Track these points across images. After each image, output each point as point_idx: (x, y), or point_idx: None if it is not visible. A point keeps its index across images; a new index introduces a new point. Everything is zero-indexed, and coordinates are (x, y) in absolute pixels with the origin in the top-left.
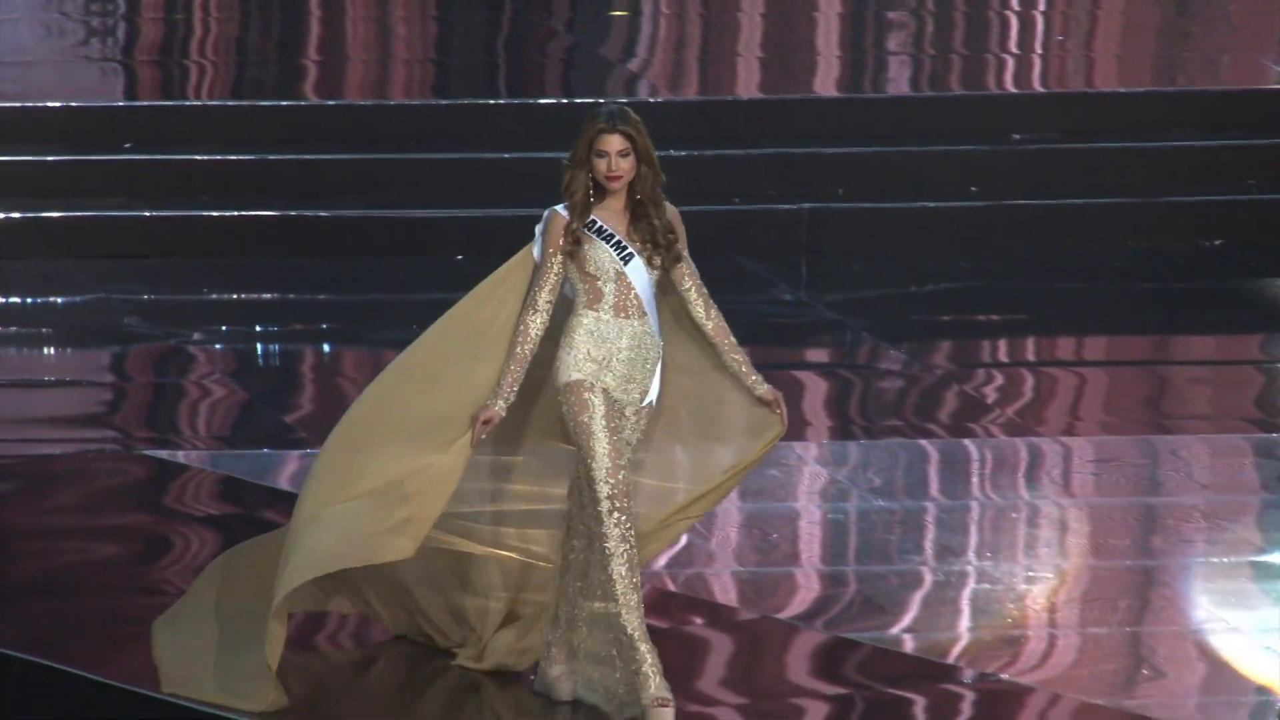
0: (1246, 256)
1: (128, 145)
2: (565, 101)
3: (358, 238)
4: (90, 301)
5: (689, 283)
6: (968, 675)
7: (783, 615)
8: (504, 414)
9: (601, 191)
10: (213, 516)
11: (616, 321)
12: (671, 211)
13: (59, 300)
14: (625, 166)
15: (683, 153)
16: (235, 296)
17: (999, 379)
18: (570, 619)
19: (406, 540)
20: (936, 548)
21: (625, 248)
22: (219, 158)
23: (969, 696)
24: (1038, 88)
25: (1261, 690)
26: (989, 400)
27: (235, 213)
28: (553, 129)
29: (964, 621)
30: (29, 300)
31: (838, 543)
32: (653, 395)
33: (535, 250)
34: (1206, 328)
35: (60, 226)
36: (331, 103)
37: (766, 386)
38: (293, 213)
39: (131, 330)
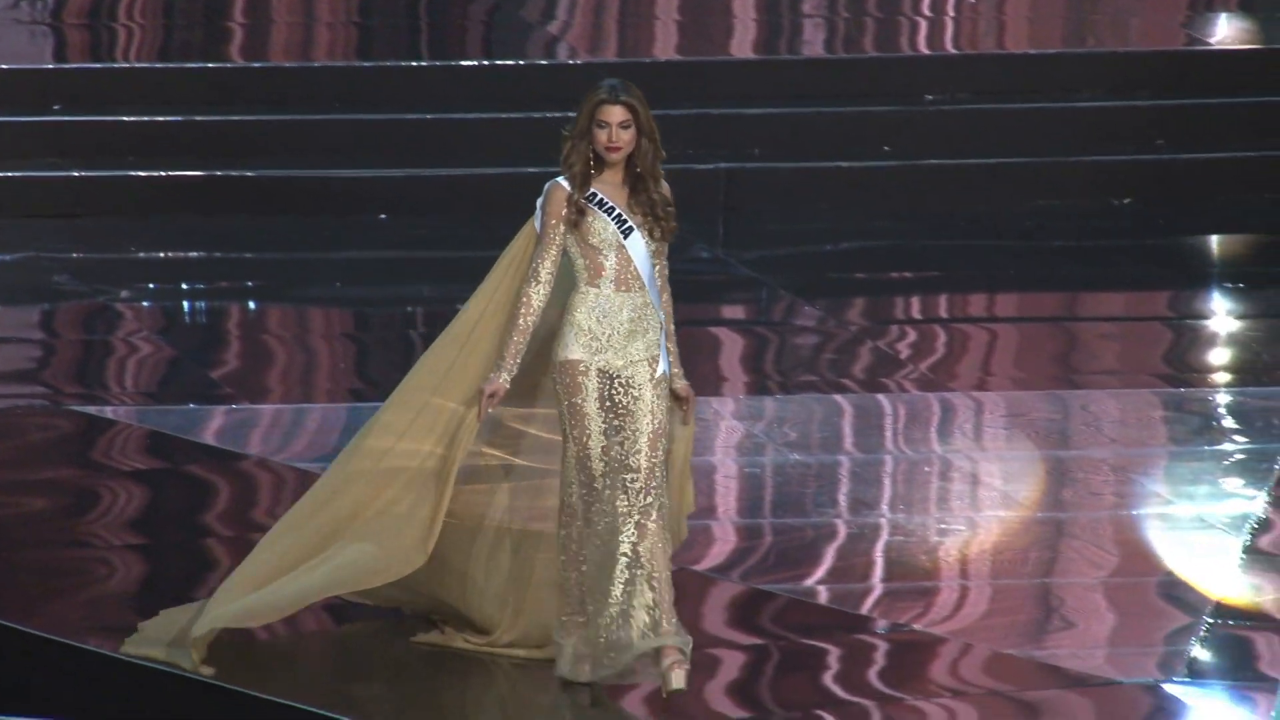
0: (1155, 215)
1: (57, 107)
2: (487, 64)
3: (282, 197)
4: (20, 260)
5: (656, 259)
6: (881, 626)
7: (699, 567)
8: (508, 386)
9: (600, 163)
10: (140, 471)
11: (618, 295)
12: (666, 188)
13: None
14: (626, 138)
15: None
16: (162, 255)
17: (912, 335)
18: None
19: (418, 551)
20: (850, 501)
21: (626, 220)
22: (147, 119)
23: (882, 647)
24: (950, 49)
25: (1169, 639)
26: (902, 356)
27: (162, 173)
28: (474, 91)
29: (877, 573)
30: None
31: (753, 496)
32: (665, 366)
33: (536, 222)
34: (1116, 285)
35: None
36: (257, 65)
37: (684, 383)
38: (219, 173)
39: (61, 288)
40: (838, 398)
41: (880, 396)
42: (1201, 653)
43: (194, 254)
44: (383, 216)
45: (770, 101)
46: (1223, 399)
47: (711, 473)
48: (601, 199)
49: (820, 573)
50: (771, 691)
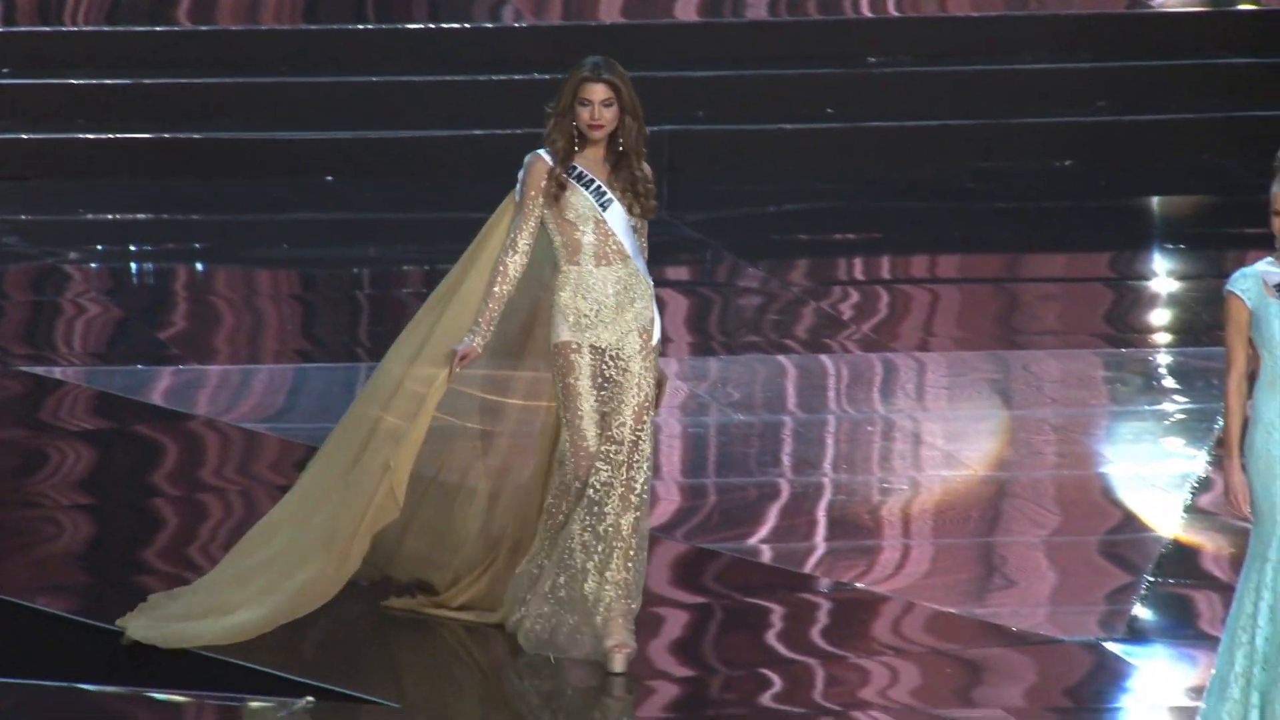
0: (1096, 176)
1: (6, 70)
2: (432, 26)
3: (230, 159)
4: None
5: (643, 241)
6: (824, 584)
7: None
8: (480, 350)
9: (584, 140)
10: (88, 431)
11: (599, 270)
12: (647, 169)
13: None
14: (608, 116)
15: (546, 76)
16: (111, 217)
17: (855, 296)
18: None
19: (389, 500)
20: (794, 460)
21: (605, 193)
22: (95, 82)
23: (825, 605)
24: (892, 12)
25: (1110, 598)
26: (845, 317)
27: (111, 135)
28: (420, 53)
29: (820, 532)
30: None
31: (697, 456)
32: (658, 334)
33: (517, 193)
34: (1057, 246)
35: None
36: (204, 28)
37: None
38: (167, 135)
39: (10, 249)
40: (781, 358)
41: (823, 357)
42: (1142, 611)
43: (142, 216)
44: (329, 178)
45: (714, 64)
46: (1163, 359)
47: (656, 433)
48: (581, 172)
49: (763, 532)
50: (715, 650)
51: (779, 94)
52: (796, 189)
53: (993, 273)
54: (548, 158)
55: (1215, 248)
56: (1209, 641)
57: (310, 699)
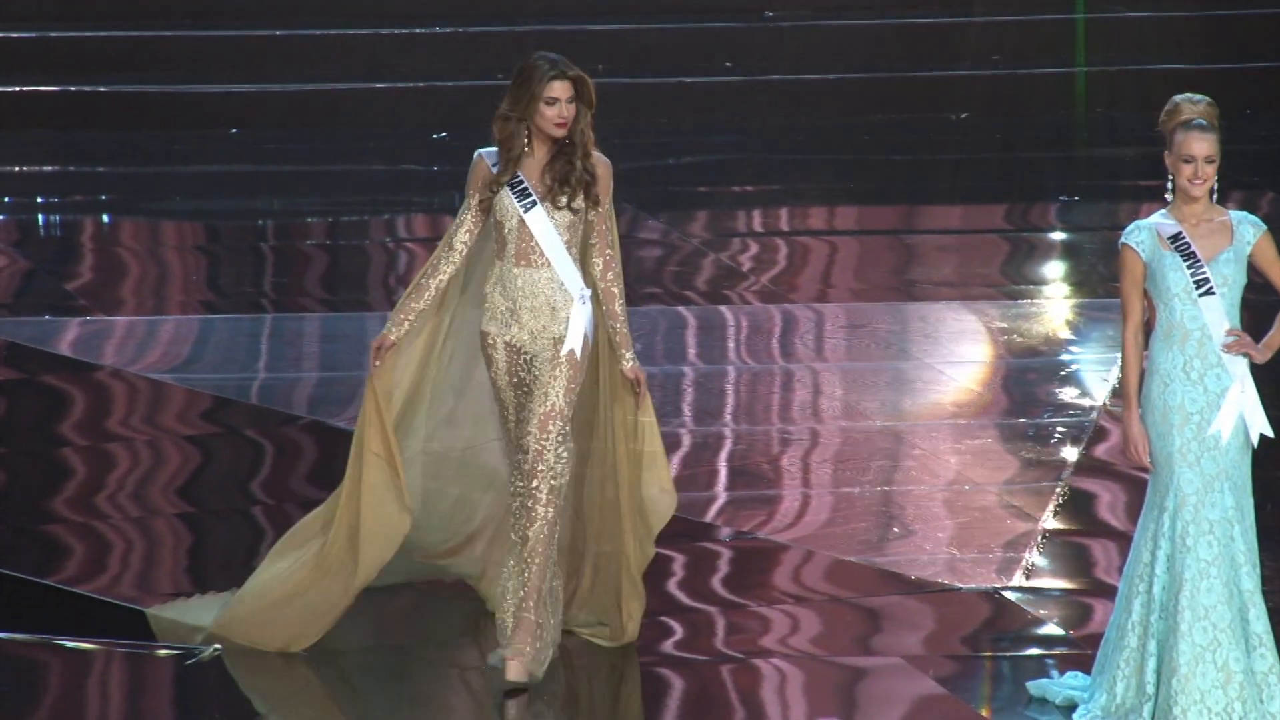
0: (992, 128)
1: None
2: None
3: (135, 112)
4: None
5: (596, 238)
6: (725, 534)
7: None
8: (394, 340)
9: (533, 140)
10: None
11: (518, 270)
12: (603, 163)
13: None
14: (572, 112)
15: (449, 30)
16: (17, 169)
17: (754, 248)
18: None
19: (401, 513)
20: (695, 411)
21: (530, 194)
22: (1, 35)
23: (726, 554)
24: None
25: (1007, 547)
26: (744, 268)
27: (16, 88)
28: (323, 6)
29: (721, 482)
30: None
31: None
32: (574, 344)
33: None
34: (953, 198)
35: None
36: None
37: (631, 364)
38: (72, 88)
39: None
40: (681, 309)
41: (723, 308)
42: (1039, 560)
43: (48, 168)
44: (234, 131)
45: (615, 18)
46: (1059, 311)
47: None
48: (515, 173)
49: None
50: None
51: (679, 47)
52: (695, 141)
53: (889, 224)
54: (488, 159)
55: (1109, 199)
56: (1106, 590)
57: (218, 647)
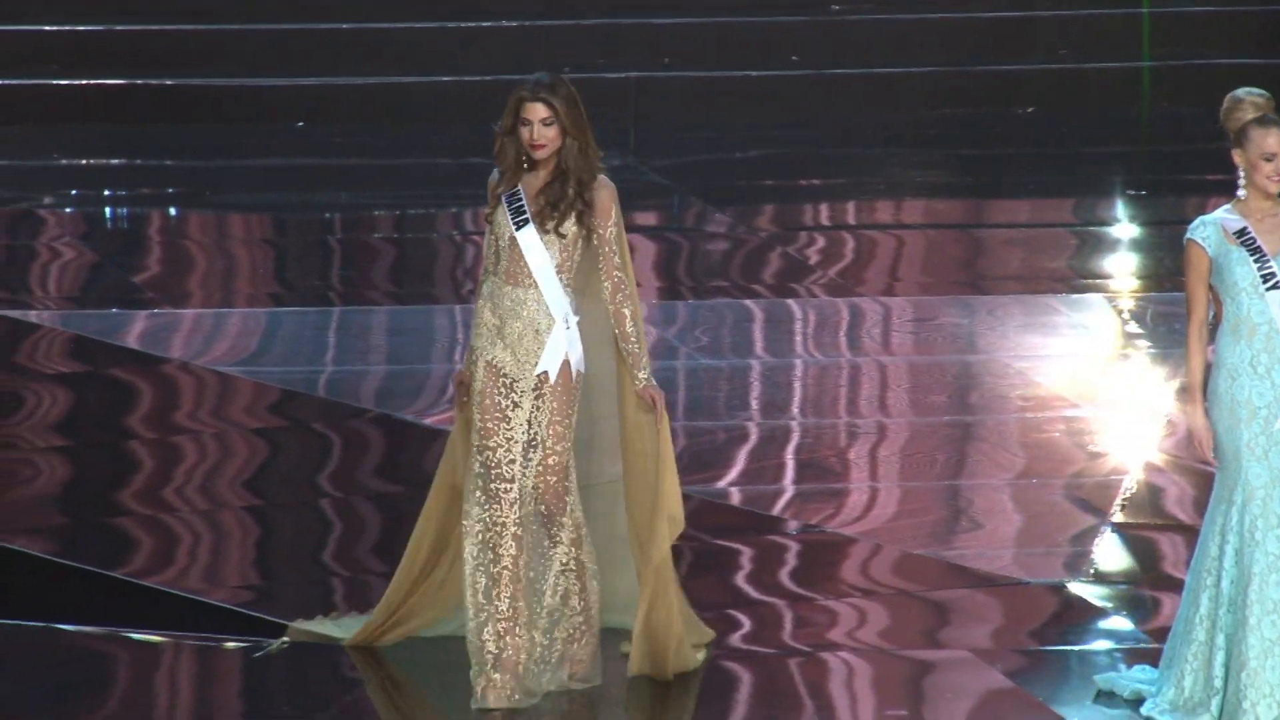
0: (1057, 123)
1: None
2: None
3: (202, 105)
4: None
5: (603, 262)
6: (792, 527)
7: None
8: (467, 371)
9: (531, 158)
10: (63, 374)
11: (507, 288)
12: (606, 188)
13: None
14: (549, 135)
15: (514, 24)
16: (85, 162)
17: (821, 241)
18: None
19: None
20: (762, 404)
21: (524, 212)
22: (69, 29)
23: (794, 547)
24: None
25: (1075, 541)
26: (811, 261)
27: (84, 81)
28: (389, 0)
29: (789, 475)
30: None
31: (666, 399)
32: (548, 366)
33: None
34: (1020, 192)
35: None
36: None
37: (645, 384)
38: (139, 81)
39: None
40: (748, 303)
41: (790, 301)
42: (1107, 554)
43: (116, 161)
44: (300, 124)
45: (680, 12)
46: (1125, 304)
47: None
48: (516, 191)
49: (732, 475)
50: (685, 592)
51: (744, 41)
52: (762, 135)
53: (957, 218)
54: (495, 176)
55: (1175, 193)
56: (1173, 584)
57: (285, 640)
